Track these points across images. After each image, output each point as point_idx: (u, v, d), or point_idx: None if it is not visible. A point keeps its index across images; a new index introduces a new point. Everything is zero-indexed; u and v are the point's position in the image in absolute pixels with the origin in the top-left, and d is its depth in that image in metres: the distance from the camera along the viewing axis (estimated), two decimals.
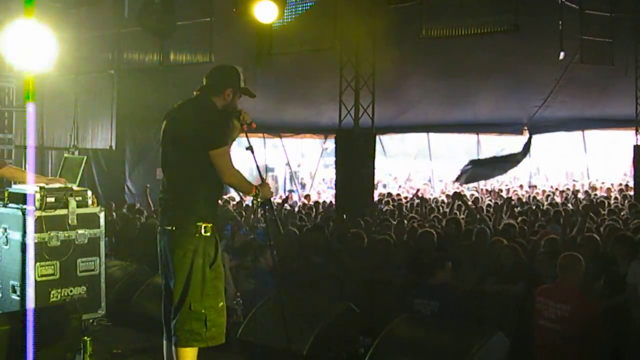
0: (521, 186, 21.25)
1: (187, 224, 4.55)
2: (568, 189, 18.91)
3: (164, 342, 4.80)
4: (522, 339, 5.93)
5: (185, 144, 4.59)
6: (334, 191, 16.52)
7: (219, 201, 5.11)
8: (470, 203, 12.67)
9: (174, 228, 4.58)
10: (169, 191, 4.71)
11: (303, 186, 25.31)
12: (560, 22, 11.97)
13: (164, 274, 4.76)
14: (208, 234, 4.57)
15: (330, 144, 21.31)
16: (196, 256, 4.54)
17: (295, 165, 25.77)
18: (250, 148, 4.79)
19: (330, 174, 22.72)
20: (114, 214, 11.77)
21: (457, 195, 12.40)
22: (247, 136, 4.82)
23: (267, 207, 4.75)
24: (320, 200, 17.67)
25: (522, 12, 10.83)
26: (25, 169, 6.94)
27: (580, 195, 17.13)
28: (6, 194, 6.70)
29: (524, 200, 16.34)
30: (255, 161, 4.92)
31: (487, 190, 20.18)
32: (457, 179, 18.69)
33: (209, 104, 4.67)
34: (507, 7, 10.86)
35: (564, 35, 12.16)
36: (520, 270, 7.01)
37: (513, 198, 16.44)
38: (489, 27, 11.07)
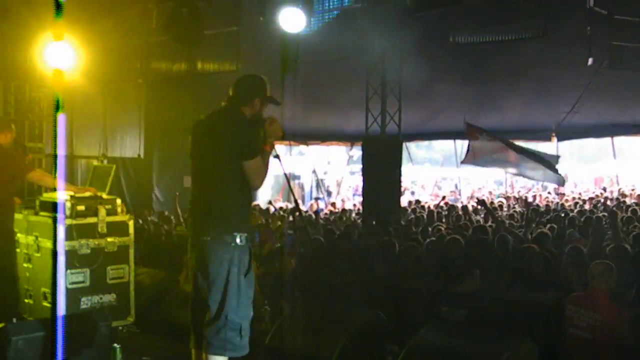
0: (549, 193, 21.05)
1: (222, 235, 4.55)
2: (597, 196, 18.67)
3: (192, 350, 4.80)
4: (551, 347, 5.86)
5: (217, 155, 4.60)
6: (360, 198, 16.44)
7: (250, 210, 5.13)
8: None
9: (209, 238, 4.58)
10: (201, 202, 4.73)
11: (329, 194, 25.28)
12: (588, 28, 11.84)
13: (194, 283, 4.72)
14: (243, 243, 4.59)
15: (357, 151, 21.31)
16: (232, 266, 4.55)
17: (321, 173, 25.77)
18: (277, 156, 4.80)
19: (357, 181, 22.67)
20: (139, 220, 11.84)
21: (482, 203, 12.32)
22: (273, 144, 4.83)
23: (296, 213, 4.77)
24: (346, 208, 17.63)
25: (550, 18, 10.75)
26: (55, 178, 7.02)
27: (610, 203, 16.91)
28: (37, 203, 6.80)
29: (552, 207, 16.17)
30: (283, 168, 4.96)
31: (515, 197, 20.01)
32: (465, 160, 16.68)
33: (238, 114, 4.69)
34: (534, 13, 10.80)
35: (593, 41, 12.03)
36: (550, 277, 6.94)
37: (541, 205, 16.29)
38: (516, 34, 11.01)
